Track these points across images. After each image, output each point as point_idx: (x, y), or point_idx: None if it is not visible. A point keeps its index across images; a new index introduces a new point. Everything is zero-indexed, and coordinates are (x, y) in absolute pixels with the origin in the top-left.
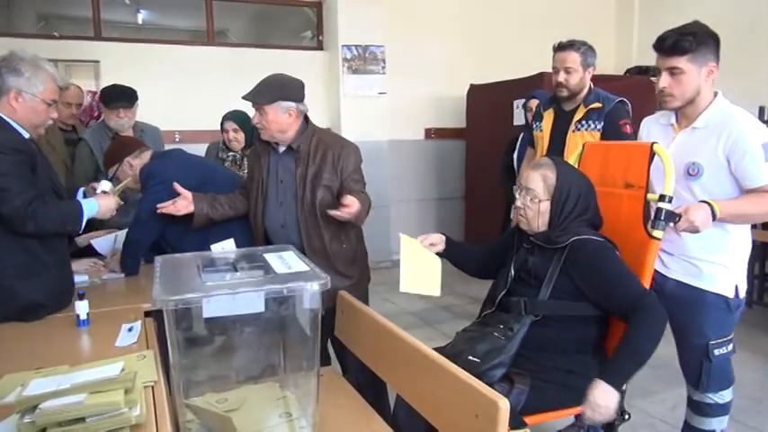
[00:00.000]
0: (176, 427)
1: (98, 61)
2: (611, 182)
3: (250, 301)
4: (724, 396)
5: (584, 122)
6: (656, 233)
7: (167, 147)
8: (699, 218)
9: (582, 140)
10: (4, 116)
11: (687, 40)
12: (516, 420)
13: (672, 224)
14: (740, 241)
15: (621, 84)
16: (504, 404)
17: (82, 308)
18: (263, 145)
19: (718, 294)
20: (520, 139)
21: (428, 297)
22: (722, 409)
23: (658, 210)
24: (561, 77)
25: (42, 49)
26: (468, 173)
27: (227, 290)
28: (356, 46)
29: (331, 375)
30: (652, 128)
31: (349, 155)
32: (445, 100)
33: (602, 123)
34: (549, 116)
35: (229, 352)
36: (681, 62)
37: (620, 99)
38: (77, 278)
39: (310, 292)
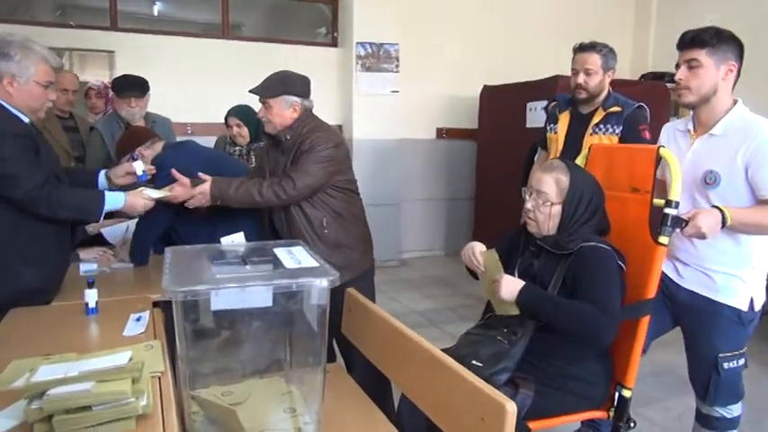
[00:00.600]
0: (181, 418)
1: (113, 51)
2: (618, 185)
3: (258, 296)
4: (732, 410)
5: (602, 126)
6: (662, 239)
7: (179, 139)
8: (706, 224)
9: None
10: (2, 102)
11: (708, 34)
12: (520, 425)
13: (678, 229)
14: (760, 254)
15: (636, 89)
16: (511, 407)
17: (91, 296)
18: (270, 139)
19: (731, 307)
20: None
21: (435, 297)
22: (730, 424)
23: (665, 215)
24: (581, 79)
25: (58, 38)
26: (479, 174)
27: (236, 283)
28: (370, 44)
29: (336, 372)
30: (671, 135)
31: (313, 147)
32: (458, 100)
33: (621, 128)
34: (564, 118)
35: (236, 345)
36: (699, 54)
37: (639, 104)
38: (86, 266)
39: (319, 287)
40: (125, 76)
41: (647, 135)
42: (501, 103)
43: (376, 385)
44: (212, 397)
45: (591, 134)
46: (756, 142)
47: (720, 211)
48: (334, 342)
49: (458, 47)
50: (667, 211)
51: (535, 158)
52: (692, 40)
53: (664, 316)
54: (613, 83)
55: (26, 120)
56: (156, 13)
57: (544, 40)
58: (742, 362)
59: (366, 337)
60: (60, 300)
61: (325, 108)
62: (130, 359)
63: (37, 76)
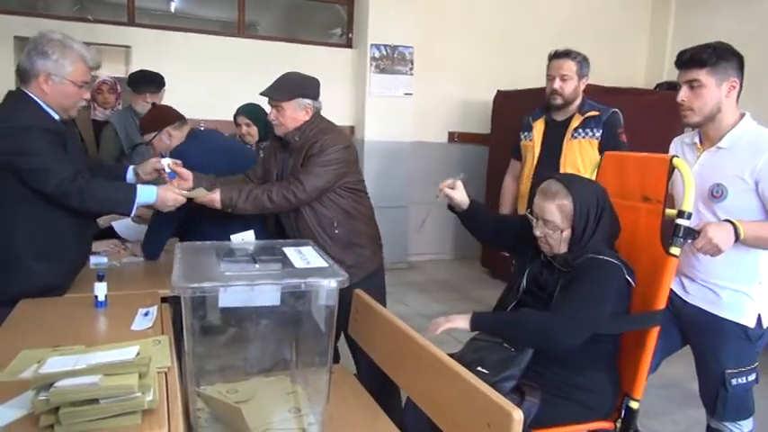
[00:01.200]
0: (186, 414)
1: (129, 47)
2: (629, 194)
3: (267, 294)
4: (742, 426)
5: (581, 130)
6: (674, 250)
7: None
8: (717, 236)
9: (580, 148)
10: (35, 97)
11: (706, 53)
12: None
13: (690, 240)
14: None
15: (650, 98)
16: (517, 415)
17: (100, 290)
18: (278, 140)
19: (737, 323)
20: None
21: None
22: None
23: (677, 226)
24: (557, 84)
25: (76, 32)
26: (490, 179)
27: (245, 281)
28: (385, 45)
29: (342, 373)
30: (679, 148)
31: (323, 150)
32: (471, 104)
33: (601, 131)
34: (539, 125)
35: (242, 343)
36: (700, 74)
37: (614, 109)
38: (96, 259)
39: (327, 288)
40: (141, 72)
41: (624, 138)
42: (514, 108)
43: (382, 387)
44: (217, 394)
45: (570, 138)
46: (767, 156)
47: (733, 224)
48: (345, 342)
49: (472, 51)
50: (680, 221)
51: (507, 170)
52: (690, 60)
53: (673, 334)
54: (629, 91)
55: (56, 116)
56: (173, 10)
57: (559, 46)
58: (752, 377)
59: (372, 338)
60: (70, 292)
61: (337, 109)
62: (138, 354)
63: (72, 75)
